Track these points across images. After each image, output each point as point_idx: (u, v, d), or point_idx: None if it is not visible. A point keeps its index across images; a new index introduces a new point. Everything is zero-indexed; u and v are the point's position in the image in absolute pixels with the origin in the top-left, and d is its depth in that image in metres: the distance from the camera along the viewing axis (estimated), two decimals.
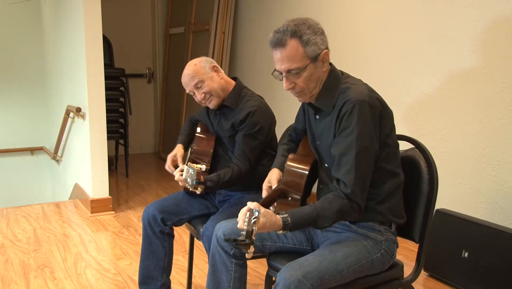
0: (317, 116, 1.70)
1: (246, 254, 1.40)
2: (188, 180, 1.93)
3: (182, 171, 1.99)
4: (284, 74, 1.59)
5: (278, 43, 1.56)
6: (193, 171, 1.90)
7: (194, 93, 2.14)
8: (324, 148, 1.67)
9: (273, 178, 1.82)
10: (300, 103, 1.87)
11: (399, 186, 1.66)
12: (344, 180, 1.52)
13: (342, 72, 1.68)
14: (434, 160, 1.71)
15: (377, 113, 1.55)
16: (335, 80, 1.63)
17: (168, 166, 2.23)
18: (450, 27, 2.85)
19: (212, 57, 4.87)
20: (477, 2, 2.69)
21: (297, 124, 1.92)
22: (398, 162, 1.66)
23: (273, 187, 1.79)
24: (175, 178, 2.01)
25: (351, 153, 1.52)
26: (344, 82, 1.62)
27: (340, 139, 1.55)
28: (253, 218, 1.38)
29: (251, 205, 1.44)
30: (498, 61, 2.60)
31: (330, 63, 1.65)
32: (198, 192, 1.94)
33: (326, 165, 1.69)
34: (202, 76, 2.11)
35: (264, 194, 1.80)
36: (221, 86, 2.15)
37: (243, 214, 1.44)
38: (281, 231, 1.48)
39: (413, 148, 1.76)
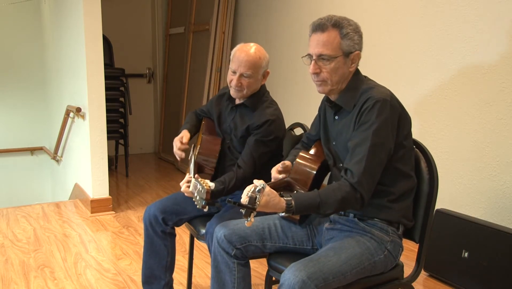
0: (336, 117, 1.71)
1: (246, 222, 1.41)
2: (196, 195, 1.85)
3: (189, 182, 1.95)
4: (314, 58, 1.62)
5: (319, 27, 1.61)
6: (203, 189, 1.78)
7: (235, 74, 2.08)
8: (341, 146, 1.68)
9: (282, 164, 1.82)
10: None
11: (412, 189, 1.67)
12: (352, 169, 1.53)
13: (365, 76, 1.72)
14: (434, 160, 1.71)
15: (397, 114, 1.58)
16: (359, 81, 1.67)
17: (175, 151, 2.19)
18: (450, 27, 2.85)
19: (212, 57, 4.88)
20: (476, 2, 2.69)
21: (311, 131, 1.94)
22: (412, 165, 1.68)
23: (281, 167, 1.79)
24: (182, 190, 1.97)
25: (365, 145, 1.54)
26: (367, 84, 1.66)
27: (357, 132, 1.58)
28: (258, 188, 1.41)
29: (257, 182, 1.46)
30: (498, 61, 2.60)
31: (358, 69, 1.68)
32: (205, 210, 1.87)
33: (341, 164, 1.70)
34: (255, 73, 2.08)
35: (273, 174, 1.80)
36: (255, 90, 2.14)
37: (247, 189, 1.46)
38: (283, 213, 1.50)
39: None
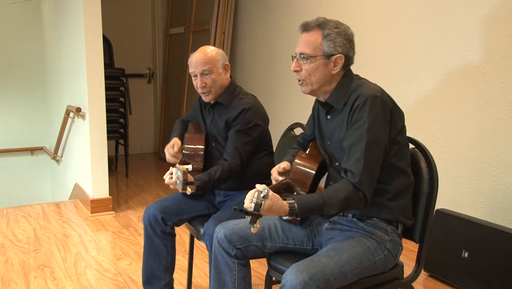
0: (329, 117, 1.72)
1: (252, 228, 1.41)
2: (177, 181, 1.95)
3: (171, 173, 2.01)
4: (296, 56, 1.66)
5: (305, 28, 1.66)
6: (180, 172, 1.92)
7: (196, 77, 2.14)
8: (335, 145, 1.68)
9: (282, 165, 1.83)
10: (307, 110, 1.89)
11: (409, 185, 1.67)
12: (352, 170, 1.54)
13: (356, 75, 1.72)
14: (434, 160, 1.71)
15: (388, 109, 1.58)
16: (349, 80, 1.67)
17: (168, 158, 2.25)
18: (450, 27, 2.85)
19: None
20: (476, 2, 2.69)
21: (306, 131, 1.95)
22: (408, 161, 1.68)
23: (282, 168, 1.81)
24: (166, 182, 2.04)
25: (360, 144, 1.54)
26: (356, 82, 1.67)
27: (351, 132, 1.58)
28: (263, 194, 1.41)
29: (259, 187, 1.46)
30: (498, 61, 2.60)
31: (349, 69, 1.69)
32: (188, 192, 1.97)
33: (337, 164, 1.70)
34: (213, 67, 2.12)
35: (273, 174, 1.81)
36: (222, 85, 2.17)
37: (250, 194, 1.46)
38: (286, 217, 1.50)
39: (413, 147, 1.77)
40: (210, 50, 2.15)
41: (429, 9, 2.97)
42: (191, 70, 2.15)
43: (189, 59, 2.18)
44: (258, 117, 2.15)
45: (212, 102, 2.21)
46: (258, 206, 1.40)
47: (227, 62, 2.19)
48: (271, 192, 1.45)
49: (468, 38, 2.75)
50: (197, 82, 2.14)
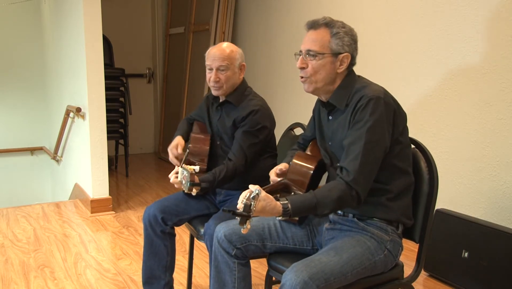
0: (330, 117, 1.72)
1: (242, 229, 1.41)
2: (183, 181, 1.96)
3: (177, 173, 2.02)
4: (302, 53, 1.66)
5: (312, 25, 1.66)
6: (187, 173, 1.93)
7: (211, 70, 2.14)
8: (337, 146, 1.68)
9: (280, 167, 1.84)
10: (307, 110, 1.89)
11: (410, 186, 1.67)
12: (347, 168, 1.54)
13: (359, 76, 1.72)
14: (434, 160, 1.71)
15: (392, 110, 1.59)
16: (352, 80, 1.68)
17: (171, 158, 2.25)
18: (450, 27, 2.85)
19: None
20: (476, 2, 2.69)
21: (306, 132, 1.96)
22: (410, 162, 1.68)
23: (279, 170, 1.81)
24: (171, 181, 2.04)
25: (359, 143, 1.54)
26: (360, 83, 1.66)
27: (352, 131, 1.58)
28: (253, 195, 1.40)
29: (252, 187, 1.46)
30: (498, 61, 2.60)
31: (352, 70, 1.69)
32: (193, 193, 1.98)
33: (338, 164, 1.70)
34: (230, 65, 2.13)
35: (271, 176, 1.82)
36: (234, 84, 2.18)
37: (243, 195, 1.45)
38: (280, 217, 1.50)
39: (413, 147, 1.77)
40: (230, 47, 2.16)
41: (429, 9, 2.97)
42: (207, 62, 2.14)
43: (207, 51, 2.18)
44: (266, 119, 2.15)
45: (221, 100, 2.22)
46: (247, 207, 1.39)
47: (244, 63, 2.20)
48: (263, 193, 1.44)
49: (468, 38, 2.75)
50: (210, 76, 2.14)
